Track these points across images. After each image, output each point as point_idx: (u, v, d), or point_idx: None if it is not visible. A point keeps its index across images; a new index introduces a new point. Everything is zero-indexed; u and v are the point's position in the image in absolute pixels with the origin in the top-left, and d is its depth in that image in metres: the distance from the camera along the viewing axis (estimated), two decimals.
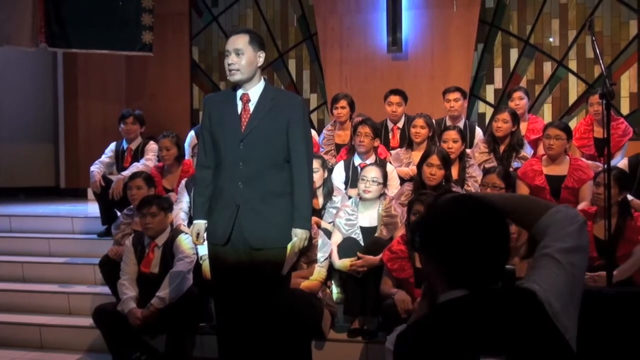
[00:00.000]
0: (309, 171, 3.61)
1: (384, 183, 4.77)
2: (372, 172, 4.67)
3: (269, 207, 3.51)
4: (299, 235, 3.52)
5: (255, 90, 3.57)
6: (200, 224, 3.63)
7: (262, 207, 3.50)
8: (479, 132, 6.32)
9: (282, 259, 3.55)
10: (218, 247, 3.57)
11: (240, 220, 3.49)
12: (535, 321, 1.59)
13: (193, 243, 3.82)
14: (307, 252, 4.37)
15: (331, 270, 4.60)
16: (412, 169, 5.40)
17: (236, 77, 3.51)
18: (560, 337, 1.59)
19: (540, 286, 1.64)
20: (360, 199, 4.73)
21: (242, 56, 3.49)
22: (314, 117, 8.89)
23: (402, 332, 1.64)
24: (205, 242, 3.69)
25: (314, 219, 4.66)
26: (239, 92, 3.58)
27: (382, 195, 4.74)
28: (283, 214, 3.53)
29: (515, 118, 5.70)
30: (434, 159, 4.77)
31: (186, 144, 6.37)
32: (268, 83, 3.69)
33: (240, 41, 3.51)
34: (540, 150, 5.47)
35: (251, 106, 3.55)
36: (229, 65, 3.50)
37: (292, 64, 9.02)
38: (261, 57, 3.57)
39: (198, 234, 3.63)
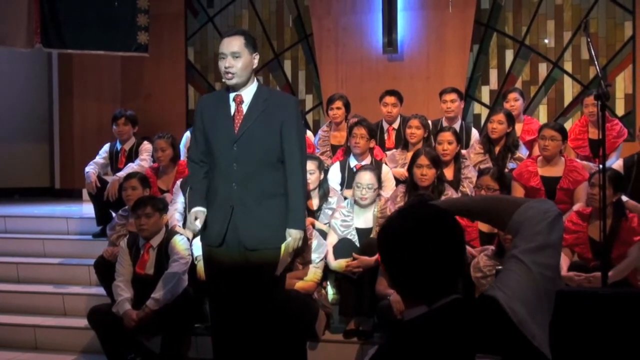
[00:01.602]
0: (303, 172, 3.61)
1: (379, 186, 4.76)
2: (367, 178, 4.65)
3: (264, 208, 3.50)
4: (293, 236, 3.52)
5: (248, 92, 3.56)
6: (199, 210, 3.54)
7: (256, 208, 3.49)
8: (474, 133, 6.32)
9: (277, 259, 3.55)
10: (212, 249, 3.56)
11: (234, 221, 3.48)
12: (498, 331, 1.54)
13: (188, 226, 3.66)
14: (303, 253, 4.36)
15: (327, 271, 4.60)
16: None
17: (233, 81, 3.48)
18: (528, 344, 1.54)
19: (504, 292, 1.58)
20: (356, 203, 4.72)
21: (238, 59, 3.47)
22: (309, 117, 8.89)
23: (373, 357, 1.60)
24: (198, 239, 3.67)
25: (309, 219, 4.67)
26: (232, 94, 3.57)
27: (377, 196, 4.75)
28: (277, 215, 3.53)
29: (511, 119, 5.71)
30: (423, 160, 4.79)
31: (181, 145, 6.36)
32: (261, 84, 3.68)
33: (236, 44, 3.48)
34: (536, 151, 5.48)
35: (244, 107, 3.54)
36: (226, 68, 3.46)
37: (287, 65, 9.02)
38: (256, 59, 3.56)
39: (196, 218, 3.52)
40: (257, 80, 3.64)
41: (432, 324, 1.55)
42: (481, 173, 4.74)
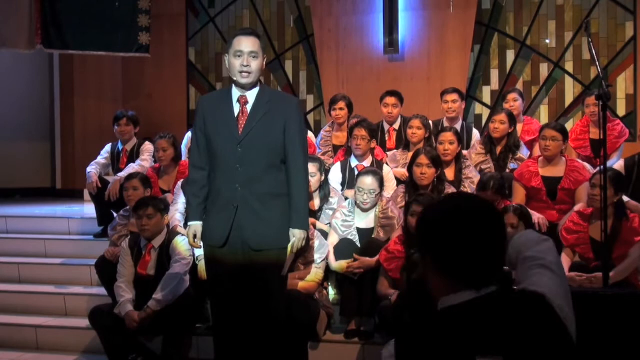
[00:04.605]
0: (305, 172, 3.63)
1: (381, 189, 4.76)
2: (369, 183, 4.63)
3: (267, 208, 3.50)
4: (297, 236, 3.53)
5: (252, 92, 3.56)
6: (197, 225, 3.61)
7: (260, 208, 3.49)
8: (476, 133, 6.33)
9: (281, 260, 3.55)
10: (215, 249, 3.56)
11: (239, 222, 3.48)
12: (550, 326, 1.55)
13: (190, 245, 3.79)
14: (305, 254, 4.36)
15: (327, 271, 4.60)
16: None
17: (249, 79, 3.49)
18: (572, 341, 1.56)
19: (544, 291, 1.61)
20: (358, 207, 4.72)
21: (256, 60, 3.49)
22: (310, 118, 8.89)
23: (403, 341, 1.57)
24: (201, 244, 3.68)
25: (310, 220, 4.67)
26: (236, 94, 3.56)
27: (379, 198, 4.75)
28: (281, 215, 3.53)
29: (512, 119, 5.71)
30: (422, 159, 4.80)
31: (183, 145, 6.36)
32: (264, 85, 3.68)
33: (255, 44, 3.50)
34: (536, 151, 5.48)
35: (249, 108, 3.54)
36: (243, 67, 3.47)
37: (288, 65, 9.02)
38: (264, 62, 3.59)
39: (195, 235, 3.61)
40: (260, 81, 3.65)
41: (483, 310, 1.55)
42: (484, 187, 4.65)
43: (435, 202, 1.75)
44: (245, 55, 3.47)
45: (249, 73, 3.48)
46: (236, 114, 3.53)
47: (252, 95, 3.56)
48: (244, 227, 3.48)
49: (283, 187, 3.54)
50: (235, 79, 3.52)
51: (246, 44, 3.49)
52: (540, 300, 1.58)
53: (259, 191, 3.49)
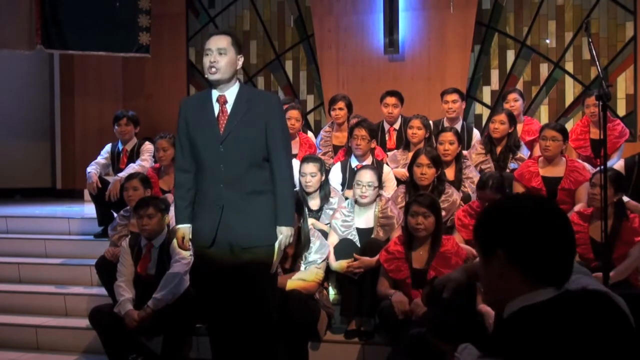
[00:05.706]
0: (289, 169, 3.63)
1: (380, 185, 4.76)
2: (367, 176, 4.65)
3: (252, 205, 3.51)
4: (284, 233, 3.53)
5: (231, 92, 3.58)
6: (185, 228, 3.62)
7: (245, 206, 3.49)
8: (476, 133, 6.33)
9: (270, 257, 3.55)
10: (204, 250, 3.56)
11: (225, 221, 3.48)
12: (623, 322, 1.55)
13: (179, 248, 3.79)
14: (304, 253, 4.36)
15: (328, 271, 4.59)
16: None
17: (216, 76, 3.51)
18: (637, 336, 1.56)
19: (603, 289, 1.62)
20: (356, 202, 4.72)
21: (224, 56, 3.51)
22: (310, 118, 8.89)
23: (492, 342, 1.54)
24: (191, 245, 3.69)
25: (311, 220, 4.68)
26: (215, 94, 3.58)
27: (378, 196, 4.75)
28: (267, 212, 3.53)
29: (512, 119, 5.72)
30: (423, 159, 4.80)
31: None
32: (243, 84, 3.70)
33: (223, 41, 3.53)
34: (536, 151, 5.48)
35: (228, 107, 3.55)
36: (210, 63, 3.50)
37: (289, 65, 9.02)
38: (240, 61, 3.60)
39: (183, 238, 3.62)
40: (239, 80, 3.66)
41: (566, 308, 1.52)
42: (483, 186, 4.65)
43: (503, 198, 1.74)
44: (213, 53, 3.51)
45: (216, 69, 3.49)
46: (216, 114, 3.55)
47: (231, 95, 3.57)
48: (230, 227, 3.48)
49: (266, 184, 3.54)
50: (206, 76, 3.55)
51: (215, 42, 3.53)
52: (607, 297, 1.57)
53: (243, 190, 3.50)
